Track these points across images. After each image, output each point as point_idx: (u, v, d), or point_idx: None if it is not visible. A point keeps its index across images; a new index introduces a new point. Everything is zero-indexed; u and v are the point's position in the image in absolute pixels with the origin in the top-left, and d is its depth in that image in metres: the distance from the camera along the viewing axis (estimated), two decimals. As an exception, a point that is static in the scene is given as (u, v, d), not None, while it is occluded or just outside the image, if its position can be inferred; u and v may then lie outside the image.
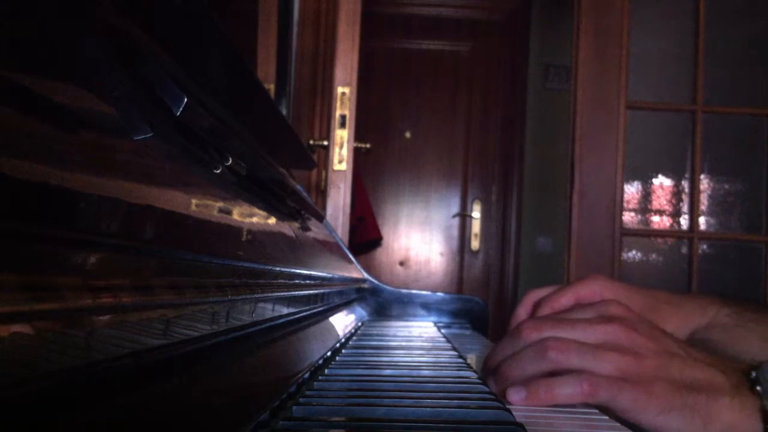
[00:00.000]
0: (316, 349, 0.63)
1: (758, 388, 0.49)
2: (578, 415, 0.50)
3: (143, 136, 0.29)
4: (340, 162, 1.73)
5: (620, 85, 2.01)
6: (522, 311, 0.70)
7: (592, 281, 0.66)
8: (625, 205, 2.06)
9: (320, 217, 0.93)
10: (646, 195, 2.14)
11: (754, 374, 0.50)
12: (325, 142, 1.77)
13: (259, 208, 0.51)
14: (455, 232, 3.28)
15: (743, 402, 0.49)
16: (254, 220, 0.47)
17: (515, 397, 0.50)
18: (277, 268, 0.52)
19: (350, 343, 0.82)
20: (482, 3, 3.33)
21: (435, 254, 3.27)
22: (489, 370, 0.57)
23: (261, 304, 0.46)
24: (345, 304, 1.05)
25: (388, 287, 1.32)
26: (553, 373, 0.52)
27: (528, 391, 0.50)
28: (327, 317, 0.82)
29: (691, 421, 0.49)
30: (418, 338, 0.94)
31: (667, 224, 2.16)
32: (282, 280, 0.54)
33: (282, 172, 0.57)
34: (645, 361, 0.51)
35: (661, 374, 0.50)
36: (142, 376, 0.27)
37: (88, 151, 0.24)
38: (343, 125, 1.73)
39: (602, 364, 0.50)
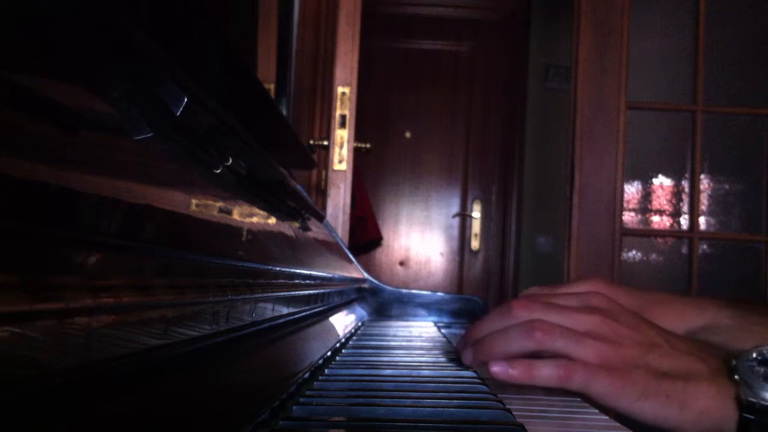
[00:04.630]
0: (316, 349, 0.63)
1: (736, 376, 0.50)
2: (579, 416, 0.50)
3: (143, 136, 0.29)
4: (340, 162, 1.73)
5: (620, 85, 2.01)
6: None
7: (591, 283, 0.67)
8: (625, 205, 2.06)
9: (320, 217, 0.92)
10: (646, 195, 2.14)
11: (734, 362, 0.51)
12: (325, 142, 1.77)
13: (259, 208, 0.51)
14: (455, 232, 3.28)
15: (720, 389, 0.50)
16: (254, 220, 0.47)
17: (497, 368, 0.53)
18: (277, 268, 0.52)
19: (350, 342, 0.82)
20: (482, 3, 3.33)
21: (435, 254, 3.27)
22: (471, 341, 0.59)
23: (261, 304, 0.46)
24: (345, 304, 1.05)
25: (388, 287, 1.32)
26: (535, 355, 0.54)
27: (509, 367, 0.53)
28: (327, 317, 0.82)
29: (668, 407, 0.50)
30: (418, 338, 0.93)
31: (667, 224, 2.16)
32: (282, 280, 0.54)
33: (282, 172, 0.57)
34: (624, 350, 0.53)
35: (639, 362, 0.52)
36: (142, 376, 0.27)
37: (88, 151, 0.24)
38: (343, 125, 1.73)
39: (583, 350, 0.52)
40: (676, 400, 0.50)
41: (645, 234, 2.11)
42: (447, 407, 0.44)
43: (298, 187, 0.72)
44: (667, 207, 2.13)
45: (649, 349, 0.53)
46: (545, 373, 0.52)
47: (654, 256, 2.11)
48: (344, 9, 1.74)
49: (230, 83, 0.55)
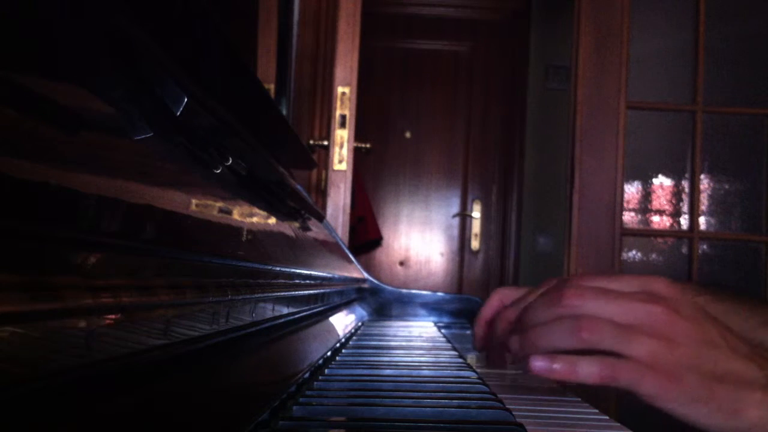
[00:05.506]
0: (316, 349, 0.63)
1: None
2: (579, 416, 0.50)
3: (143, 136, 0.29)
4: (340, 162, 1.73)
5: (620, 85, 2.01)
6: (488, 311, 0.67)
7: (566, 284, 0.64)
8: (625, 205, 2.06)
9: (320, 217, 0.92)
10: (646, 195, 2.14)
11: None
12: (325, 142, 1.77)
13: (259, 208, 0.51)
14: (455, 232, 3.28)
15: None
16: (254, 220, 0.47)
17: (538, 365, 0.50)
18: (277, 268, 0.52)
19: (350, 343, 0.82)
20: (482, 3, 3.33)
21: (435, 254, 3.27)
22: (519, 327, 0.55)
23: (261, 304, 0.46)
24: (345, 304, 1.05)
25: (388, 287, 1.32)
26: (582, 350, 0.51)
27: (552, 363, 0.50)
28: (327, 317, 0.82)
29: (718, 414, 0.48)
30: (418, 338, 0.93)
31: (667, 224, 2.16)
32: (282, 280, 0.54)
33: (282, 172, 0.57)
34: (678, 350, 0.49)
35: (692, 363, 0.49)
36: (142, 376, 0.27)
37: (88, 151, 0.24)
38: (343, 125, 1.73)
39: (634, 348, 0.49)
40: (728, 408, 0.48)
41: (645, 234, 2.11)
42: (447, 407, 0.44)
43: (298, 187, 0.72)
44: (667, 207, 2.13)
45: (706, 348, 0.50)
46: (589, 371, 0.49)
47: (654, 256, 2.11)
48: (344, 9, 1.74)
49: (230, 83, 0.55)
